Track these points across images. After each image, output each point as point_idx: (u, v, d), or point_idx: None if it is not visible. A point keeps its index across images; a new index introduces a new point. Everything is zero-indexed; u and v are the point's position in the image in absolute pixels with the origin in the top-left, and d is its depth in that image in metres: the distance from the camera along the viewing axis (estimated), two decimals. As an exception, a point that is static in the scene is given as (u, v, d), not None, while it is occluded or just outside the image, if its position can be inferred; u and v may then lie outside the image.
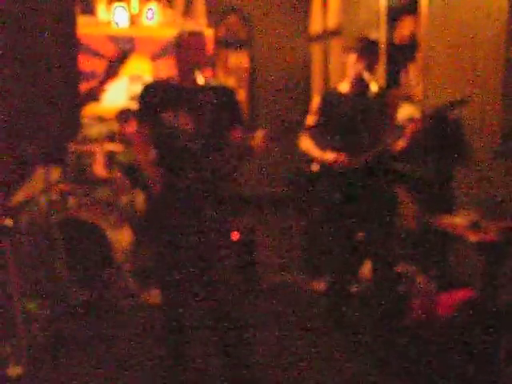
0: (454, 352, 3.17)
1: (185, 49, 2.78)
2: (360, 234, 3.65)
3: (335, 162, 3.41)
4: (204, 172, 2.77)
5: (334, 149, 3.44)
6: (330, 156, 3.43)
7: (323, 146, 3.49)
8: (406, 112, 4.48)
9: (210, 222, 2.82)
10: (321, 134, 3.50)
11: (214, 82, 3.03)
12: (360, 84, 3.45)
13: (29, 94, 2.25)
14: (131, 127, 2.98)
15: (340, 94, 3.53)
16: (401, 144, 3.39)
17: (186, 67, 2.80)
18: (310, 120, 3.56)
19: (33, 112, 2.26)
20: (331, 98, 3.54)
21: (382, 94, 3.51)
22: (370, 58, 3.37)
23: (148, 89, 2.89)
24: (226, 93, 2.92)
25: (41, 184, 3.54)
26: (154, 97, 2.82)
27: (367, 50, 3.37)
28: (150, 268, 4.19)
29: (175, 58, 2.84)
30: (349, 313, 3.76)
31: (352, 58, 3.41)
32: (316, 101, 3.60)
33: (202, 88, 2.84)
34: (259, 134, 2.74)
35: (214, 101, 2.80)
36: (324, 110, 3.51)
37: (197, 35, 2.81)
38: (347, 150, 3.41)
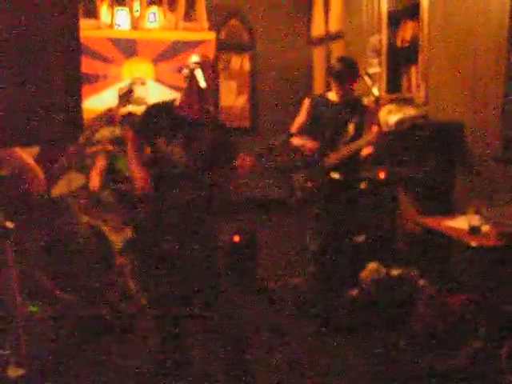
0: (454, 356, 3.17)
1: (189, 77, 2.79)
2: (358, 238, 3.83)
3: (311, 148, 3.78)
4: (188, 200, 2.78)
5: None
6: (308, 144, 3.79)
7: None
8: (407, 115, 4.49)
9: (198, 235, 2.84)
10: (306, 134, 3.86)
11: (214, 119, 3.00)
12: (344, 95, 3.79)
13: (30, 97, 2.26)
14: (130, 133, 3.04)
15: (327, 101, 3.86)
16: (367, 151, 3.77)
17: (188, 94, 2.81)
18: (298, 121, 3.93)
19: (34, 114, 2.26)
20: (319, 103, 3.88)
21: (367, 104, 3.85)
22: (348, 82, 3.75)
23: (149, 111, 2.91)
24: (224, 133, 2.93)
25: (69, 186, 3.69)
26: (152, 121, 2.84)
27: (346, 75, 3.74)
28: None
29: (185, 81, 2.83)
30: (344, 316, 3.78)
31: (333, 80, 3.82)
32: (306, 103, 3.91)
33: (203, 120, 2.84)
34: (243, 157, 2.75)
35: (211, 137, 2.82)
36: (313, 112, 3.86)
37: (207, 64, 2.81)
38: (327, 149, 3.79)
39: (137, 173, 2.82)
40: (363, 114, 3.78)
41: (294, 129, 3.91)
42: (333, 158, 3.76)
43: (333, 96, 3.85)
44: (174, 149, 2.78)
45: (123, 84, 4.69)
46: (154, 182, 2.82)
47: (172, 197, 2.79)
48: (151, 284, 2.97)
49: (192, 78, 2.77)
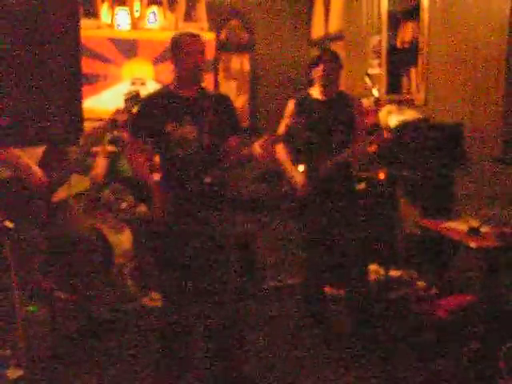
0: (452, 357, 3.17)
1: (183, 51, 2.79)
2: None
3: (299, 186, 3.56)
4: (207, 179, 2.78)
5: (303, 156, 3.61)
6: (298, 180, 3.57)
7: (294, 155, 3.65)
8: (407, 117, 4.49)
9: (215, 227, 2.84)
10: (292, 138, 3.65)
11: (211, 91, 3.04)
12: (329, 91, 3.60)
13: (31, 96, 2.26)
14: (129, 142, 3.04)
15: (312, 99, 3.65)
16: (367, 151, 3.63)
17: (185, 70, 2.80)
18: (284, 124, 3.69)
19: (35, 114, 2.27)
20: (304, 103, 3.66)
21: (350, 101, 3.64)
22: (331, 68, 3.55)
23: (146, 103, 2.90)
24: (224, 101, 2.95)
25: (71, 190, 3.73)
26: (154, 111, 2.83)
27: (329, 59, 3.55)
28: (150, 271, 4.20)
29: (174, 61, 2.84)
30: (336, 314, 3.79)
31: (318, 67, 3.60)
32: (290, 105, 3.70)
33: (202, 96, 2.84)
34: (265, 139, 2.74)
35: (213, 109, 2.81)
36: (298, 113, 3.64)
37: (194, 38, 2.82)
38: (316, 156, 3.57)
39: (150, 185, 2.84)
40: (352, 110, 3.60)
41: (280, 134, 3.65)
42: (326, 166, 3.54)
43: (316, 93, 3.65)
44: (183, 129, 2.78)
45: (129, 88, 4.69)
46: (168, 171, 2.84)
47: (189, 181, 2.80)
48: (164, 277, 2.95)
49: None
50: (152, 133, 2.84)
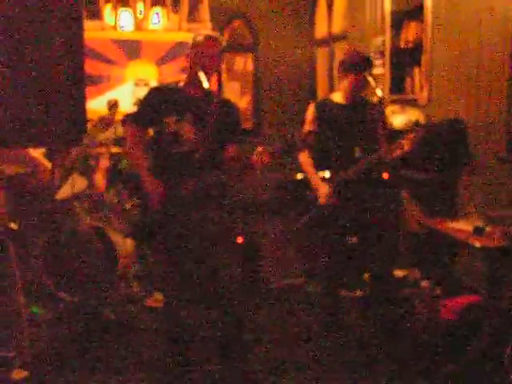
0: (457, 357, 3.16)
1: (200, 53, 2.79)
2: (353, 239, 3.66)
3: (325, 197, 3.46)
4: (203, 179, 2.78)
5: (327, 163, 3.50)
6: (322, 190, 3.47)
7: (318, 162, 3.55)
8: (410, 117, 4.48)
9: (212, 226, 2.83)
10: (316, 144, 3.46)
11: (219, 95, 3.04)
12: (355, 95, 3.51)
13: (35, 97, 2.26)
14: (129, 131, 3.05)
15: (334, 104, 3.57)
16: (398, 153, 3.43)
17: (195, 71, 2.80)
18: (305, 129, 3.57)
19: (38, 115, 2.27)
20: (326, 107, 3.57)
21: (375, 104, 3.56)
22: (362, 73, 3.42)
23: (153, 92, 2.91)
24: (230, 108, 2.94)
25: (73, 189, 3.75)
26: (158, 101, 2.83)
27: (360, 65, 3.43)
28: (154, 272, 4.20)
29: (188, 61, 2.84)
30: (349, 316, 3.77)
31: (346, 73, 3.48)
32: (310, 110, 3.61)
33: (209, 98, 2.84)
34: (259, 150, 2.74)
35: (217, 113, 2.81)
36: (319, 118, 3.54)
37: (210, 40, 2.82)
38: (340, 161, 3.47)
39: (146, 179, 2.82)
40: (374, 113, 3.51)
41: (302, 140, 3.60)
42: (351, 173, 3.46)
43: (339, 97, 3.56)
44: (183, 126, 2.78)
45: (110, 97, 4.94)
46: (162, 165, 2.82)
47: (181, 180, 2.79)
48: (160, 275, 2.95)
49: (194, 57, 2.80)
50: (152, 122, 2.85)
